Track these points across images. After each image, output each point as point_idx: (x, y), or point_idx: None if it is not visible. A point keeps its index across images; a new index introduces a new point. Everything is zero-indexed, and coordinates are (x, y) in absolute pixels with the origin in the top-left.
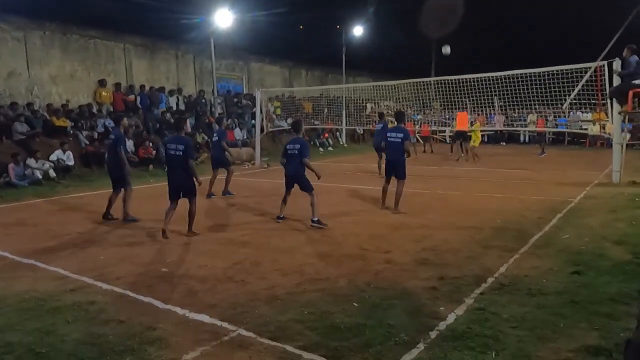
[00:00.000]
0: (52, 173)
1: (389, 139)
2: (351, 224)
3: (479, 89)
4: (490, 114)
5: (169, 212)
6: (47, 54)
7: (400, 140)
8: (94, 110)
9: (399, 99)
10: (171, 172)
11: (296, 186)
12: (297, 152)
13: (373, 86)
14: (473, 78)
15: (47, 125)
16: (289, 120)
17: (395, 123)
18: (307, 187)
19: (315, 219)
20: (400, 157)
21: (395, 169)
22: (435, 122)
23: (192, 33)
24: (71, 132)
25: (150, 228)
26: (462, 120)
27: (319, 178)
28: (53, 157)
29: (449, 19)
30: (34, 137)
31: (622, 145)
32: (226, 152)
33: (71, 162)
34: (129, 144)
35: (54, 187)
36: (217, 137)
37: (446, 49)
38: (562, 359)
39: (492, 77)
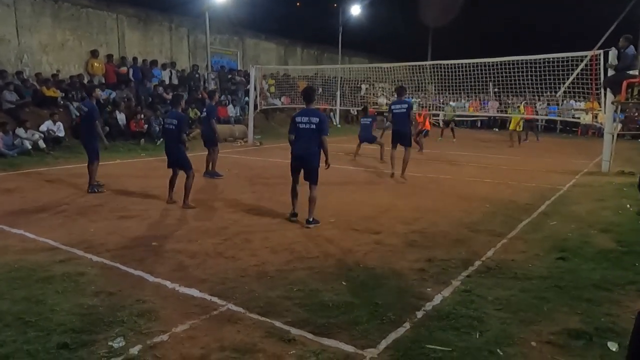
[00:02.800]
0: (41, 144)
1: (393, 110)
2: (341, 204)
3: (474, 74)
4: (485, 99)
5: (171, 179)
6: (37, 21)
7: (405, 110)
8: (85, 81)
9: (394, 81)
10: (166, 145)
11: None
12: (314, 126)
13: (368, 67)
14: (469, 63)
15: (36, 95)
16: (283, 99)
17: (397, 97)
18: (314, 177)
19: (311, 219)
20: (405, 126)
21: (401, 138)
22: (429, 106)
23: (187, 6)
24: (62, 102)
25: (140, 201)
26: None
27: (327, 167)
28: (43, 127)
29: (447, 3)
30: (23, 106)
31: (613, 135)
32: (215, 132)
33: (62, 134)
34: (121, 117)
35: (43, 158)
36: (205, 114)
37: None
38: (543, 341)
39: (488, 62)
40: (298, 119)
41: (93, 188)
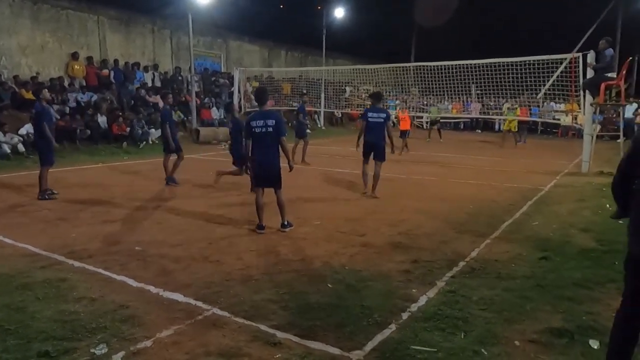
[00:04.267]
0: (21, 147)
1: (370, 119)
2: (327, 206)
3: (456, 76)
4: (467, 101)
5: None
6: (16, 23)
7: (382, 120)
8: (66, 84)
9: (378, 83)
10: None
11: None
12: (271, 129)
13: (352, 69)
14: (451, 65)
15: (15, 97)
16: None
17: (373, 104)
18: (279, 182)
19: (286, 222)
20: (380, 139)
21: (375, 151)
22: (413, 108)
23: (169, 7)
24: None
25: (123, 205)
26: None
27: (290, 170)
28: (22, 131)
29: (430, 6)
30: (1, 109)
31: (592, 136)
32: (173, 136)
33: None
34: (103, 120)
35: (22, 162)
36: (160, 118)
37: None
38: (527, 340)
39: (470, 64)
40: (253, 124)
41: (43, 195)
